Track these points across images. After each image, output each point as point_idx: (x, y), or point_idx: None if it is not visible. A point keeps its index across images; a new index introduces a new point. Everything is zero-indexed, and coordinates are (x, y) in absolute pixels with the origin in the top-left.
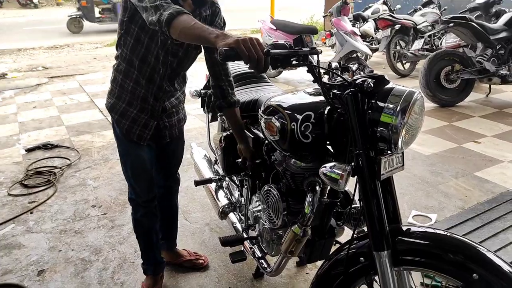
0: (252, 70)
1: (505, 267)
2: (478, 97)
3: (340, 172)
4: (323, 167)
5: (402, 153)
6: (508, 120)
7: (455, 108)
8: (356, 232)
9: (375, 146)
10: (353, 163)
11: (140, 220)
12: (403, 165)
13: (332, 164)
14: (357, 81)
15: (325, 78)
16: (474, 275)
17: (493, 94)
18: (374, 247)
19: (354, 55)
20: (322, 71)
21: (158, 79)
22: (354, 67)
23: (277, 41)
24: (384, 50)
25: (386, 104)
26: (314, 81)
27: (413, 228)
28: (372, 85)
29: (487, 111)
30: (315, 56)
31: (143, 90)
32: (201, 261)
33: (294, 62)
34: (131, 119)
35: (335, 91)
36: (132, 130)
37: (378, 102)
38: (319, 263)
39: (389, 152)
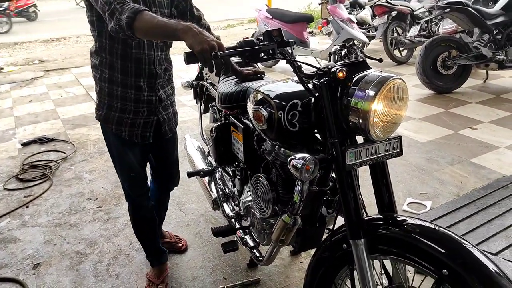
0: (241, 62)
1: (485, 263)
2: (475, 83)
3: (302, 162)
4: (292, 158)
5: (400, 138)
6: (505, 105)
7: (452, 94)
8: None
9: (350, 135)
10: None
11: (136, 215)
12: (400, 151)
13: (300, 155)
14: (332, 70)
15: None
16: (444, 270)
17: (491, 80)
18: (350, 235)
19: (351, 43)
20: (307, 61)
21: (146, 68)
22: (343, 52)
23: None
24: (381, 37)
25: (357, 88)
26: (294, 72)
27: (403, 218)
28: (345, 73)
29: (484, 97)
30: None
31: (133, 90)
32: (180, 244)
33: (264, 57)
34: (129, 125)
35: (315, 80)
36: (134, 134)
37: (352, 88)
38: (313, 251)
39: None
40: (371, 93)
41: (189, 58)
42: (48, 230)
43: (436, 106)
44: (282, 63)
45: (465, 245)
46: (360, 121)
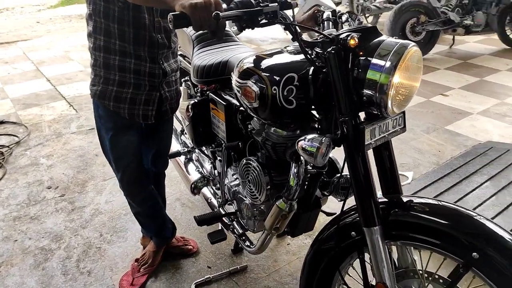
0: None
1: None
2: (442, 49)
3: (317, 145)
4: (301, 140)
5: (404, 113)
6: (473, 71)
7: None
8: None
9: (363, 111)
10: (338, 132)
11: (137, 206)
12: (403, 127)
13: (311, 136)
14: (341, 37)
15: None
16: (474, 254)
17: (456, 45)
18: (364, 223)
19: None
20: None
21: (146, 34)
22: (344, 17)
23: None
24: (347, 3)
25: (373, 58)
26: (293, 39)
27: (410, 199)
28: (357, 40)
29: (452, 63)
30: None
31: (132, 59)
32: (190, 247)
33: (263, 21)
34: (129, 101)
35: (318, 49)
36: (135, 112)
37: (365, 58)
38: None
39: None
40: (391, 63)
41: (177, 21)
42: (6, 225)
43: None
44: (246, 32)
45: (485, 222)
46: (377, 95)
